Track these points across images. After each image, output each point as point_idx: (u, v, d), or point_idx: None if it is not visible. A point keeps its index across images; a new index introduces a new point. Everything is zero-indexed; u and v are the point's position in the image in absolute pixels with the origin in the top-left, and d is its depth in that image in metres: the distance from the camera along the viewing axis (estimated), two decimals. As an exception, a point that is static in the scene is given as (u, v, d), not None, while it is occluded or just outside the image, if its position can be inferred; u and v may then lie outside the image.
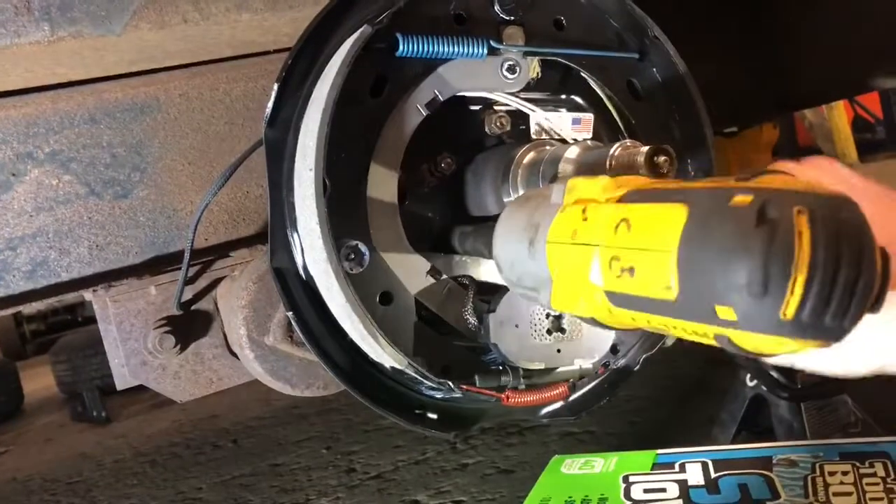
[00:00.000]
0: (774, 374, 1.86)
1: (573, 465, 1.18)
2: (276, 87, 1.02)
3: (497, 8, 1.05)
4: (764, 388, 1.90)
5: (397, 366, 0.96)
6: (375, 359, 1.00)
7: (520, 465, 2.48)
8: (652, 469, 1.10)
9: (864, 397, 1.90)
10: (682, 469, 1.07)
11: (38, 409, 5.44)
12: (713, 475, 1.02)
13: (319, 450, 3.11)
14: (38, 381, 5.99)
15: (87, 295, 1.26)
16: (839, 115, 8.94)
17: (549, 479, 1.15)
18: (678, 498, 1.00)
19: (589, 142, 1.00)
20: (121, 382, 1.27)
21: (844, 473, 0.94)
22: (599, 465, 1.15)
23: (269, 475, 3.01)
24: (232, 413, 3.94)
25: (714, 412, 2.19)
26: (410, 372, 0.97)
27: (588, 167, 0.90)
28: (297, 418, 3.58)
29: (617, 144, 0.88)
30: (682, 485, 1.02)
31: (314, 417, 3.52)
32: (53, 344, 5.40)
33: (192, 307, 1.30)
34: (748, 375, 1.95)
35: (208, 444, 3.61)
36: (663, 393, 2.79)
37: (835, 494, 0.89)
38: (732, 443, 1.98)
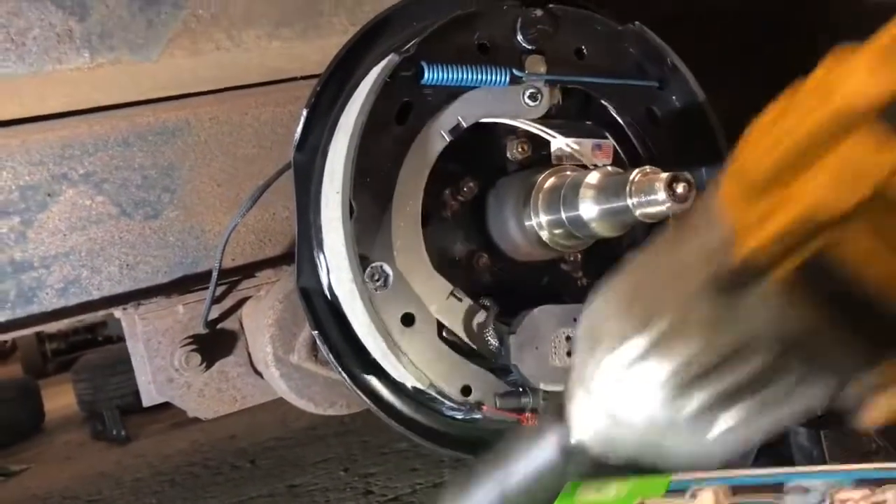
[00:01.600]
0: (793, 401, 1.86)
1: (587, 492, 1.18)
2: (304, 112, 1.05)
3: (520, 37, 1.08)
4: (783, 415, 1.89)
5: (419, 386, 0.98)
6: (398, 378, 1.02)
7: (536, 489, 2.47)
8: (665, 495, 1.10)
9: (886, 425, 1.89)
10: (694, 496, 1.07)
11: (58, 428, 5.48)
12: (725, 502, 1.02)
13: (337, 471, 3.11)
14: (59, 399, 6.04)
15: (117, 313, 1.29)
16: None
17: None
18: (690, 525, 1.00)
19: (609, 168, 1.02)
20: (147, 399, 1.30)
21: (857, 501, 0.93)
22: (613, 491, 1.15)
23: (287, 496, 3.02)
24: (250, 434, 3.95)
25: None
26: (432, 392, 0.99)
27: (608, 193, 0.93)
28: (314, 439, 3.59)
29: (637, 171, 0.90)
30: (695, 511, 1.02)
31: (332, 439, 3.53)
32: (74, 362, 5.44)
33: (218, 326, 1.33)
34: (767, 402, 1.94)
35: (226, 465, 3.62)
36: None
37: (845, 520, 0.89)
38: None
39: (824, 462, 1.79)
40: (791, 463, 1.90)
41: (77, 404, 5.12)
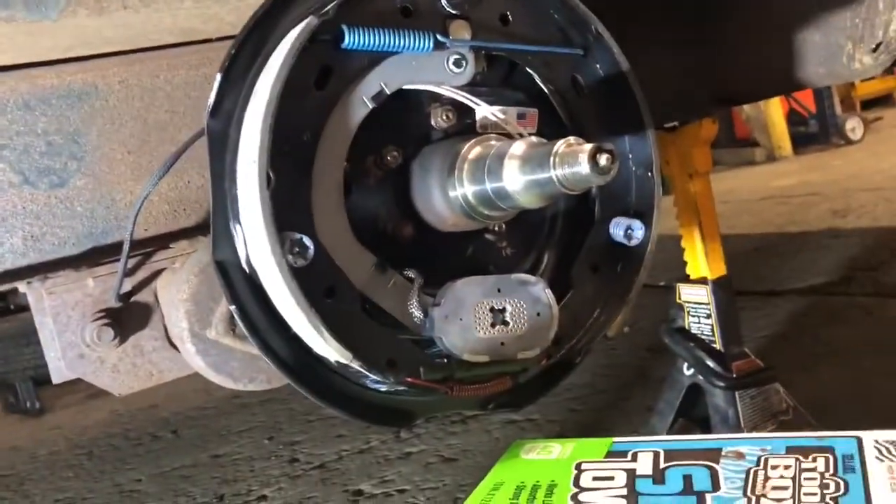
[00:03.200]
0: (710, 363, 1.92)
1: (532, 451, 1.20)
2: (218, 77, 1.00)
3: (444, 2, 1.05)
4: (700, 378, 1.95)
5: (342, 360, 0.96)
6: (320, 353, 1.00)
7: (463, 454, 2.50)
8: (605, 457, 1.12)
9: (792, 388, 1.97)
10: (634, 458, 1.09)
11: (-33, 401, 5.27)
12: (662, 465, 1.05)
13: (261, 440, 3.09)
14: (-32, 371, 5.80)
15: (22, 287, 1.22)
16: (775, 109, 9.22)
17: (506, 463, 1.17)
18: (624, 486, 1.02)
19: (534, 138, 1.01)
20: (57, 376, 1.25)
21: (786, 467, 0.96)
22: (557, 451, 1.17)
23: (210, 466, 2.98)
24: (172, 403, 3.88)
25: (652, 401, 2.24)
26: (355, 366, 0.97)
27: (533, 164, 0.92)
28: (238, 408, 3.55)
29: (561, 142, 0.89)
30: (631, 474, 1.04)
31: (256, 407, 3.49)
32: (5, 313, 5.21)
33: (132, 299, 1.28)
34: (685, 365, 2.00)
35: (147, 435, 3.55)
36: (603, 381, 2.84)
37: (773, 488, 0.92)
38: (669, 431, 2.04)
39: (738, 421, 1.86)
40: (705, 423, 1.97)
41: (-13, 376, 4.92)
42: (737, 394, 1.89)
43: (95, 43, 1.14)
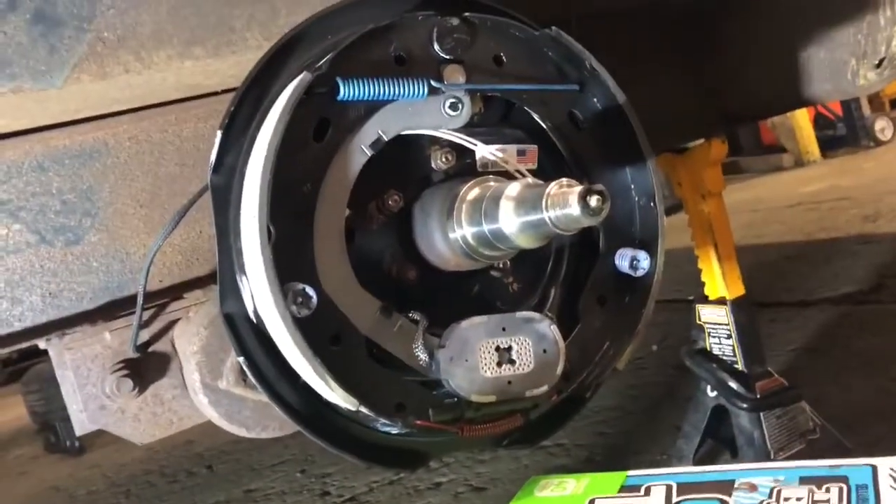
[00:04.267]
0: (733, 384, 1.90)
1: (546, 487, 1.20)
2: (219, 133, 1.03)
3: (437, 47, 1.06)
4: (724, 399, 1.93)
5: (349, 407, 0.97)
6: (329, 399, 1.01)
7: (492, 483, 2.50)
8: (619, 491, 1.12)
9: (822, 402, 1.95)
10: (647, 492, 1.08)
11: (9, 441, 5.38)
12: (674, 499, 1.04)
13: (294, 473, 3.11)
14: (10, 411, 5.91)
15: (42, 344, 1.26)
16: (801, 113, 9.12)
17: (521, 502, 1.17)
18: (636, 522, 1.01)
19: (529, 179, 1.02)
20: (80, 428, 1.27)
21: (798, 499, 0.95)
22: (571, 486, 1.17)
23: (243, 501, 3.01)
24: (206, 438, 3.92)
25: (681, 420, 2.22)
26: (363, 411, 0.98)
27: (527, 205, 0.93)
28: (271, 442, 3.58)
29: (553, 183, 0.90)
30: (643, 509, 1.04)
31: (288, 440, 3.51)
32: (25, 373, 5.33)
33: (150, 349, 1.30)
34: (708, 387, 1.98)
35: (183, 472, 3.59)
36: (631, 402, 2.82)
37: (784, 521, 0.91)
38: (696, 453, 2.02)
39: (765, 443, 1.84)
40: (733, 444, 1.94)
41: (29, 416, 5.01)
42: (762, 415, 1.86)
43: (103, 104, 1.18)
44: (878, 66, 1.39)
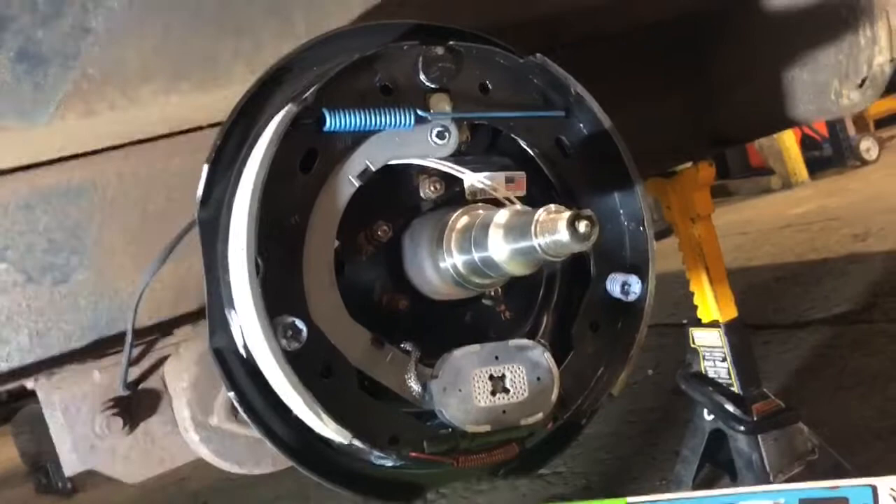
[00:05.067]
0: (729, 407, 1.89)
1: None
2: (206, 168, 1.03)
3: (422, 77, 1.07)
4: (721, 423, 1.92)
5: (342, 440, 0.96)
6: (321, 433, 1.00)
7: (490, 513, 2.47)
8: (620, 517, 1.10)
9: (819, 424, 1.94)
10: (649, 518, 1.07)
11: (1, 483, 5.29)
12: (675, 524, 1.03)
13: (290, 509, 3.06)
14: (0, 453, 5.83)
15: (30, 384, 1.24)
16: (788, 135, 9.19)
17: None
18: (635, 548, 1.00)
19: (518, 206, 1.02)
20: (69, 469, 1.25)
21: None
22: None
23: (239, 539, 2.96)
24: (200, 475, 3.86)
25: (679, 445, 2.20)
26: (357, 444, 0.97)
27: (516, 233, 0.92)
28: (266, 477, 3.53)
29: (541, 210, 0.89)
30: (642, 534, 1.02)
31: (284, 475, 3.47)
32: (14, 414, 5.26)
33: (139, 386, 1.29)
34: (705, 410, 1.97)
35: (177, 511, 3.53)
36: (628, 428, 2.80)
37: (786, 543, 0.90)
38: (695, 478, 2.00)
39: (763, 465, 1.82)
40: (732, 467, 1.93)
41: (20, 457, 4.95)
42: (759, 437, 1.85)
43: (89, 141, 1.18)
44: (861, 85, 1.41)
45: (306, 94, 0.98)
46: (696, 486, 2.05)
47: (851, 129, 9.33)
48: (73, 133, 1.09)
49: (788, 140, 9.21)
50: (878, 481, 0.97)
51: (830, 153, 9.35)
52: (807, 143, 9.47)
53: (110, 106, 1.05)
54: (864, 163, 9.02)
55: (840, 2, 1.46)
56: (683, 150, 1.82)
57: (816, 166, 9.36)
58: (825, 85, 1.47)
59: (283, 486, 3.39)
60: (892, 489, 0.94)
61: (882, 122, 10.68)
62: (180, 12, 1.08)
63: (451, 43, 1.08)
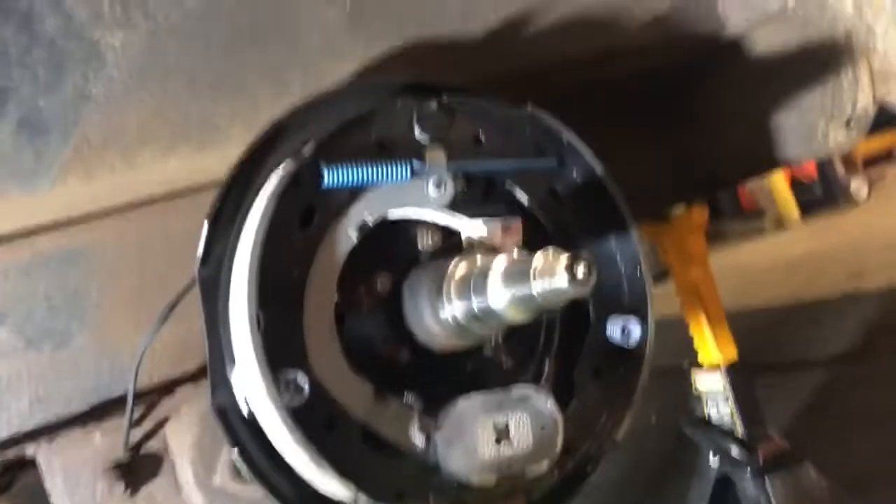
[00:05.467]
0: (734, 450, 1.88)
1: None
2: (205, 225, 1.04)
3: (417, 131, 1.09)
4: (727, 467, 1.90)
5: (347, 497, 0.95)
6: (325, 492, 0.99)
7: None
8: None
9: (825, 467, 1.92)
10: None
11: (-3, 559, 5.17)
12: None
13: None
14: (-4, 527, 5.71)
15: (30, 450, 1.23)
16: (778, 177, 9.28)
17: None
18: None
19: (516, 252, 1.03)
20: (70, 537, 1.23)
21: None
22: None
23: None
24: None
25: (686, 491, 2.17)
26: (361, 501, 0.96)
27: (514, 279, 0.93)
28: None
29: (539, 254, 0.90)
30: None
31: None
32: (11, 486, 5.14)
33: (141, 449, 1.28)
34: (711, 454, 1.95)
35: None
36: (634, 474, 2.77)
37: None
38: (703, 525, 1.97)
39: (772, 508, 1.80)
40: (739, 511, 1.90)
41: (16, 531, 4.83)
42: (767, 479, 1.83)
43: (89, 204, 1.19)
44: (847, 125, 1.44)
45: (304, 151, 1.00)
46: (706, 533, 2.02)
47: (841, 170, 9.42)
48: (73, 197, 1.10)
49: (779, 183, 9.29)
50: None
51: (821, 194, 9.42)
52: (797, 186, 9.55)
53: (111, 170, 1.06)
54: (856, 203, 9.09)
55: (820, 46, 1.50)
56: (675, 193, 1.84)
57: (808, 208, 9.42)
58: (812, 126, 1.50)
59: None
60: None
61: (871, 162, 10.80)
62: (178, 77, 1.11)
63: (443, 98, 1.10)
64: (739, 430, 1.92)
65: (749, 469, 1.86)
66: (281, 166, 1.00)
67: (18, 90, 1.02)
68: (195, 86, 1.12)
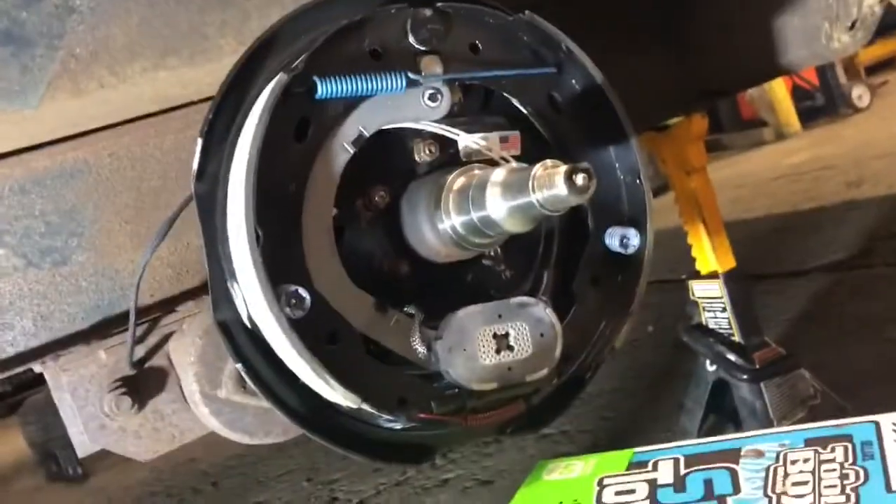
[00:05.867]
0: (732, 357, 1.91)
1: (554, 470, 1.20)
2: (199, 141, 1.03)
3: (412, 39, 1.06)
4: (724, 373, 1.94)
5: (351, 405, 0.97)
6: (331, 399, 1.01)
7: (499, 475, 2.50)
8: (627, 469, 1.12)
9: (821, 369, 1.96)
10: (655, 467, 1.09)
11: (11, 474, 5.33)
12: (682, 472, 1.04)
13: (300, 482, 3.10)
14: (8, 444, 5.87)
15: (38, 367, 1.25)
16: (779, 86, 9.16)
17: (530, 487, 1.17)
18: (646, 499, 1.02)
19: (514, 164, 1.02)
20: (81, 450, 1.26)
21: (805, 461, 0.95)
22: (579, 468, 1.17)
23: (252, 514, 3.00)
24: (210, 454, 3.90)
25: (683, 398, 2.22)
26: (366, 408, 0.98)
27: (513, 190, 0.92)
28: (275, 452, 3.56)
29: (538, 165, 0.89)
30: (652, 484, 1.04)
31: (293, 449, 3.50)
32: (21, 404, 5.29)
33: (146, 365, 1.29)
34: (707, 361, 1.99)
35: (188, 489, 3.57)
36: (632, 383, 2.83)
37: (793, 484, 0.91)
38: (700, 428, 2.02)
39: (767, 412, 1.85)
40: (736, 417, 1.95)
41: (28, 447, 4.97)
42: (762, 384, 1.87)
43: (81, 121, 1.17)
44: (851, 28, 1.40)
45: (296, 63, 0.97)
46: (701, 436, 2.08)
47: (843, 77, 9.29)
48: (64, 114, 1.09)
49: (780, 91, 9.17)
50: (880, 418, 0.98)
51: (822, 102, 9.31)
52: (798, 94, 9.42)
53: (100, 84, 1.04)
54: (857, 110, 8.99)
55: (827, -57, 1.45)
56: (676, 103, 1.82)
57: (809, 116, 9.32)
58: (816, 29, 1.46)
59: (292, 460, 3.43)
60: (894, 423, 0.95)
61: (873, 69, 10.64)
62: (164, -14, 1.07)
63: (439, 4, 1.07)
64: (737, 336, 1.95)
65: (746, 374, 1.90)
66: (274, 79, 0.97)
67: (-1, 2, 0.99)
68: (182, -5, 1.09)
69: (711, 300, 1.97)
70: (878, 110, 8.65)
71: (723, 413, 2.04)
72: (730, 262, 1.98)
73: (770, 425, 1.83)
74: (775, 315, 3.02)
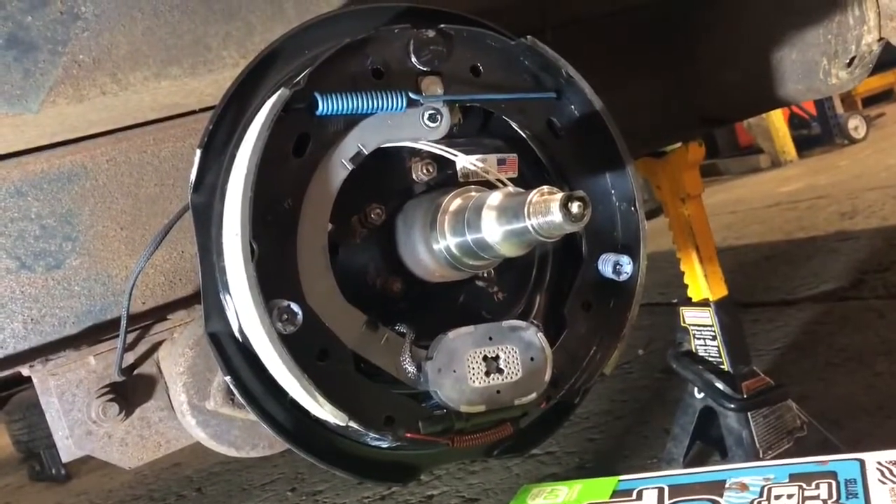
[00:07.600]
0: (720, 385, 1.91)
1: (539, 496, 1.19)
2: (198, 152, 1.03)
3: (414, 60, 1.07)
4: (712, 401, 1.94)
5: (338, 422, 0.97)
6: (318, 416, 1.00)
7: (484, 493, 2.49)
8: (612, 496, 1.11)
9: (808, 400, 1.96)
10: (639, 496, 1.08)
11: (-7, 472, 5.29)
12: (667, 502, 1.04)
13: (284, 492, 3.08)
14: (-7, 442, 5.82)
15: (25, 370, 1.24)
16: (776, 114, 9.22)
17: None
18: (628, 528, 1.01)
19: (510, 188, 1.02)
20: (66, 455, 1.26)
21: (789, 497, 0.95)
22: (563, 493, 1.17)
23: (234, 523, 2.98)
24: (195, 460, 3.88)
25: (670, 423, 2.22)
26: (353, 426, 0.98)
27: (509, 214, 0.93)
28: (260, 461, 3.55)
29: (534, 191, 0.90)
30: (635, 513, 1.04)
31: (278, 458, 3.49)
32: (6, 402, 5.25)
33: (135, 372, 1.29)
34: (695, 389, 1.99)
35: (172, 495, 3.55)
36: (620, 407, 2.83)
37: (777, 519, 0.92)
38: (686, 455, 2.02)
39: (753, 442, 1.85)
40: (722, 444, 1.95)
41: (13, 445, 4.94)
42: (749, 414, 1.87)
43: (80, 126, 1.17)
44: (849, 64, 1.41)
45: (298, 78, 0.98)
46: (687, 463, 2.08)
47: (839, 108, 9.36)
48: (64, 119, 1.09)
49: (777, 119, 9.23)
50: (865, 456, 0.98)
51: (819, 132, 9.38)
52: (795, 122, 9.50)
53: (101, 91, 1.04)
54: (853, 141, 9.06)
55: (827, -20, 1.46)
56: (673, 130, 1.83)
57: (805, 145, 9.39)
58: (814, 64, 1.47)
59: (276, 469, 3.41)
60: (879, 463, 0.95)
61: (869, 101, 10.72)
62: (170, -4, 1.08)
63: (441, 25, 1.08)
64: (725, 365, 1.95)
65: (733, 403, 1.90)
66: (276, 93, 0.98)
67: (5, 6, 0.99)
68: (187, 5, 1.10)
69: (702, 328, 1.97)
70: (873, 142, 8.70)
71: (709, 441, 2.05)
72: (721, 291, 1.98)
73: (756, 455, 1.84)
74: (764, 344, 3.03)
